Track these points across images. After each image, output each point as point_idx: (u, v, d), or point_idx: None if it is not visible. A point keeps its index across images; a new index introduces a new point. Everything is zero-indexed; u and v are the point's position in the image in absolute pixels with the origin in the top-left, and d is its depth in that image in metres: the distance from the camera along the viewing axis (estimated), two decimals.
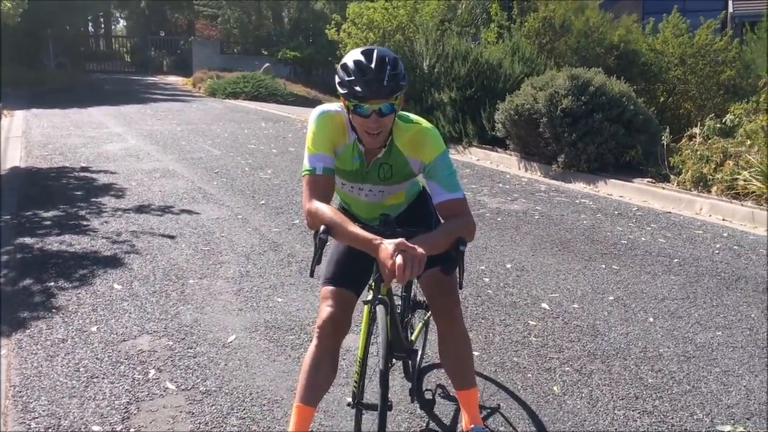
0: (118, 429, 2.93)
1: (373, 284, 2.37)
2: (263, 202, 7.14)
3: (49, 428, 2.93)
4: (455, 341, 2.63)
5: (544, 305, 4.49)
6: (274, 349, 3.74)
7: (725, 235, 6.38)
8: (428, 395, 3.01)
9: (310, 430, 2.52)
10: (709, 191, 7.54)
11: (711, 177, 7.59)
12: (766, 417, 3.18)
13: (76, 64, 28.83)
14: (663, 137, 8.48)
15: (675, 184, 7.90)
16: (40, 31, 23.86)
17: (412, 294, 3.03)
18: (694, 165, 7.75)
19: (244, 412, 3.10)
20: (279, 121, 14.70)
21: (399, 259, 2.06)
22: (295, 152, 10.35)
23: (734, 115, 8.34)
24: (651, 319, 4.30)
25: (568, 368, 3.62)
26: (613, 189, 8.36)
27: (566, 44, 12.11)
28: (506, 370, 3.57)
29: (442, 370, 3.14)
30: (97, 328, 3.95)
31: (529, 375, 3.53)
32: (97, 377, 3.38)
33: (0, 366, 3.45)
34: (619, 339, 4.00)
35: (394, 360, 2.99)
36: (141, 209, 6.69)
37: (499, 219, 6.75)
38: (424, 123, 2.44)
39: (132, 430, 2.93)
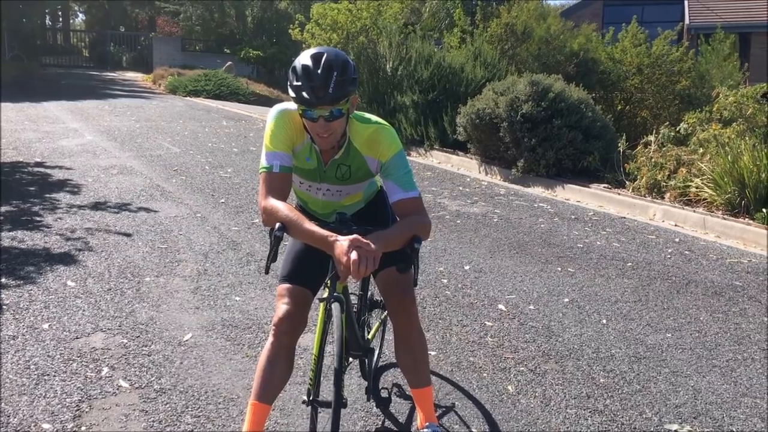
0: (69, 427, 2.88)
1: (329, 282, 2.39)
2: (223, 200, 7.08)
3: None
4: (411, 340, 2.66)
5: (500, 306, 4.55)
6: (230, 347, 3.72)
7: (677, 240, 6.55)
8: (384, 394, 3.02)
9: (265, 428, 2.51)
10: (662, 197, 7.74)
11: (665, 184, 7.79)
12: (712, 417, 3.28)
13: (32, 57, 28.08)
14: (619, 144, 8.68)
15: (630, 190, 8.08)
16: None
17: (369, 293, 3.04)
18: (648, 172, 7.94)
19: (199, 410, 3.07)
20: (240, 120, 14.58)
21: (354, 255, 2.08)
22: (256, 151, 10.28)
23: (688, 124, 8.54)
24: (604, 321, 4.39)
25: (522, 368, 3.67)
26: (570, 194, 8.51)
27: (527, 51, 12.27)
28: (462, 370, 3.61)
29: (399, 370, 3.16)
30: (49, 326, 3.86)
31: (485, 374, 3.57)
32: (48, 375, 3.31)
33: None
34: (572, 340, 4.08)
35: (350, 359, 3.00)
36: (97, 206, 6.56)
37: (458, 221, 6.81)
38: (381, 122, 2.47)
39: (83, 428, 2.88)
